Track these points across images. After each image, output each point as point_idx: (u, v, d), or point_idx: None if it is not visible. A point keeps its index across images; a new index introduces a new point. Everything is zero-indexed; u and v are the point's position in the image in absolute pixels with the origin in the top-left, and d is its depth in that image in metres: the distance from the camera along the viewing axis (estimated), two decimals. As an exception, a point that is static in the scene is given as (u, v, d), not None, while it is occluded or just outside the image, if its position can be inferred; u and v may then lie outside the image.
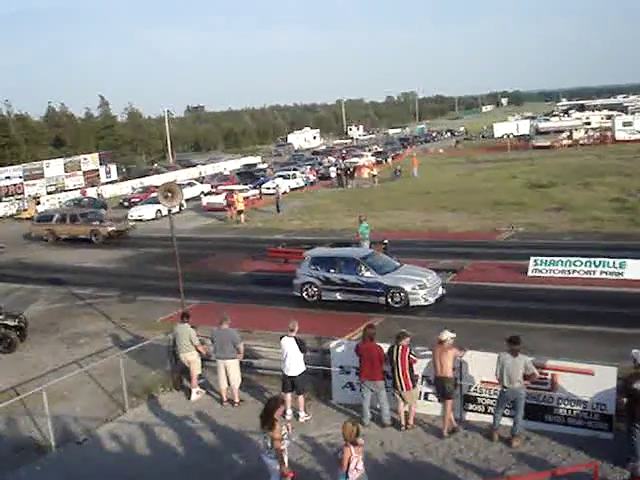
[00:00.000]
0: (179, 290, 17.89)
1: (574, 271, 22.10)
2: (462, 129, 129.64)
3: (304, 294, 21.71)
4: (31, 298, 24.89)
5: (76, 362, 17.40)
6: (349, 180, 55.09)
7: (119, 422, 13.98)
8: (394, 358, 12.43)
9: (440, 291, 20.81)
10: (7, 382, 16.32)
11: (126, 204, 49.73)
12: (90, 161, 66.21)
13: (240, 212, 39.98)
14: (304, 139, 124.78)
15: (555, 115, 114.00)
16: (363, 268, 20.88)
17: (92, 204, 48.26)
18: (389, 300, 20.33)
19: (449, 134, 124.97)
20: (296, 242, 29.22)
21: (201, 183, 57.19)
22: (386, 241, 26.00)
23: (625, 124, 73.91)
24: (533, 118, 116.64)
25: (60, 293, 25.53)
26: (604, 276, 21.63)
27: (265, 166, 71.88)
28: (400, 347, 12.43)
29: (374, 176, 54.57)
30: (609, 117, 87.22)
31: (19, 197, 55.46)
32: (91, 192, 57.08)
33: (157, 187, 30.61)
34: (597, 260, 21.94)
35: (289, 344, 13.35)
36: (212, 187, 53.28)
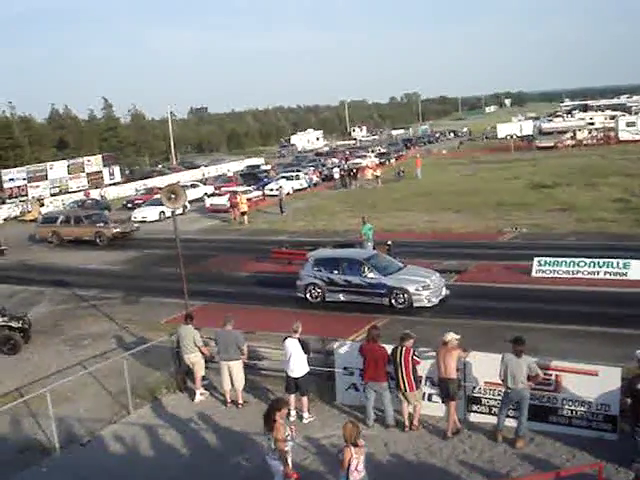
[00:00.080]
0: (183, 291, 17.90)
1: (578, 272, 22.07)
2: (465, 130, 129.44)
3: (308, 295, 21.71)
4: (35, 300, 24.94)
5: (80, 363, 17.43)
6: (352, 181, 55.06)
7: (123, 424, 13.99)
8: (398, 359, 12.42)
9: (444, 292, 20.80)
10: (11, 384, 16.36)
11: (129, 206, 49.78)
12: (93, 163, 66.24)
13: (243, 213, 39.99)
14: (307, 140, 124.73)
15: (558, 115, 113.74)
16: (366, 269, 20.88)
17: (95, 206, 48.32)
18: (393, 301, 20.32)
19: (452, 135, 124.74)
20: (299, 243, 29.26)
21: (204, 184, 57.24)
22: (389, 242, 25.99)
23: (629, 124, 73.73)
24: (536, 119, 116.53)
25: (64, 295, 25.57)
26: (608, 277, 21.60)
27: (268, 167, 71.82)
28: (404, 348, 12.42)
29: (377, 177, 54.56)
30: (612, 117, 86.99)
31: (23, 199, 55.56)
32: (94, 194, 57.15)
33: (160, 189, 30.64)
34: (601, 261, 21.91)
35: (293, 345, 13.35)
36: (215, 188, 53.32)
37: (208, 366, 15.40)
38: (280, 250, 27.97)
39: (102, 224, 37.36)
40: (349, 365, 13.74)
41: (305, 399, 13.51)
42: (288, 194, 48.58)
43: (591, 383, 11.68)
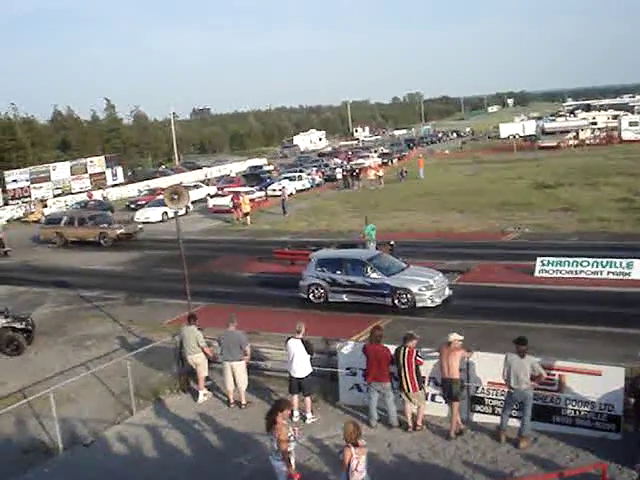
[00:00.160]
0: (186, 292, 17.92)
1: (581, 271, 22.05)
2: (468, 130, 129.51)
3: (310, 296, 21.72)
4: (38, 301, 24.96)
5: (83, 364, 17.44)
6: (355, 181, 55.05)
7: (126, 424, 14.00)
8: (401, 360, 12.41)
9: (447, 292, 20.79)
10: (15, 384, 16.37)
11: (132, 206, 49.84)
12: (96, 164, 66.28)
13: (246, 214, 40.01)
14: (310, 141, 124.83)
15: (561, 115, 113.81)
16: (369, 269, 20.88)
17: (98, 207, 48.38)
18: (396, 301, 20.32)
19: (455, 135, 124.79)
20: (302, 244, 29.25)
21: (207, 185, 57.29)
22: (392, 242, 25.98)
23: (631, 124, 73.74)
24: (539, 118, 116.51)
25: (67, 296, 25.60)
26: (611, 276, 21.58)
27: (271, 168, 71.92)
28: (407, 349, 12.42)
29: (380, 177, 54.56)
30: (615, 117, 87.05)
31: (26, 200, 55.63)
32: (97, 195, 57.25)
33: (163, 189, 30.66)
34: (604, 260, 21.90)
35: (296, 346, 13.35)
36: (218, 189, 53.35)
37: (211, 367, 15.41)
38: (283, 250, 27.98)
39: (106, 225, 37.39)
40: (352, 365, 13.74)
41: (308, 400, 13.51)
42: (291, 194, 48.61)
43: (594, 383, 11.66)
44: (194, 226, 40.13)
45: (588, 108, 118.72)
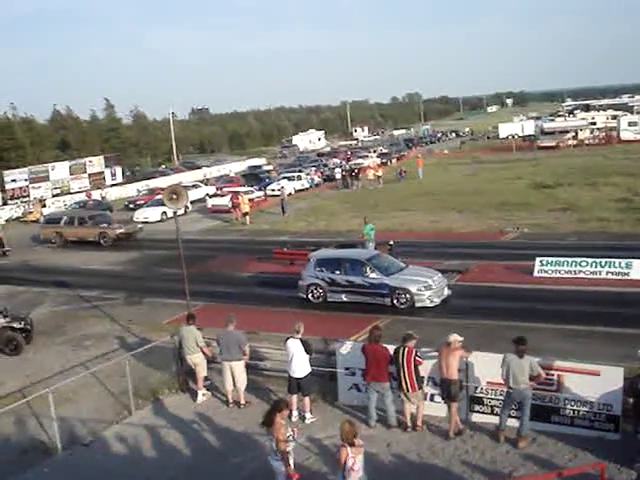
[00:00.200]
0: (185, 292, 17.92)
1: (580, 271, 22.07)
2: (467, 130, 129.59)
3: (309, 295, 21.72)
4: (37, 300, 24.95)
5: (82, 364, 17.44)
6: (354, 181, 55.08)
7: (125, 424, 14.00)
8: (400, 360, 12.41)
9: (446, 292, 20.80)
10: (14, 384, 16.38)
11: (131, 206, 49.85)
12: (95, 164, 66.31)
13: (245, 214, 40.00)
14: (309, 141, 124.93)
15: (560, 115, 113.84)
16: (368, 269, 20.88)
17: (97, 206, 48.39)
18: (395, 301, 20.32)
19: (454, 135, 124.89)
20: (301, 244, 29.26)
21: (206, 185, 57.29)
22: (391, 242, 25.98)
23: (630, 124, 73.76)
24: (538, 118, 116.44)
25: (66, 295, 25.60)
26: (610, 276, 21.60)
27: (270, 168, 71.94)
28: (406, 349, 12.42)
29: (379, 177, 54.58)
30: (614, 117, 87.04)
31: (25, 200, 55.62)
32: (95, 194, 57.28)
33: (162, 189, 30.67)
34: (603, 260, 21.91)
35: (295, 346, 13.36)
36: (217, 189, 53.37)
37: (210, 366, 15.41)
38: (282, 250, 27.99)
39: (106, 225, 37.39)
40: (351, 365, 13.74)
41: (307, 399, 13.51)
42: (290, 194, 48.60)
43: (593, 383, 11.67)
44: (193, 226, 40.13)
45: (587, 108, 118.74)
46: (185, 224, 35.52)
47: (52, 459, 12.72)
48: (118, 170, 69.34)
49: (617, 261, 21.75)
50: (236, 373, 14.32)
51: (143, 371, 16.19)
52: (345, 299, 21.22)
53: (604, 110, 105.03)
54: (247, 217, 39.95)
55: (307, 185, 55.46)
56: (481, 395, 12.73)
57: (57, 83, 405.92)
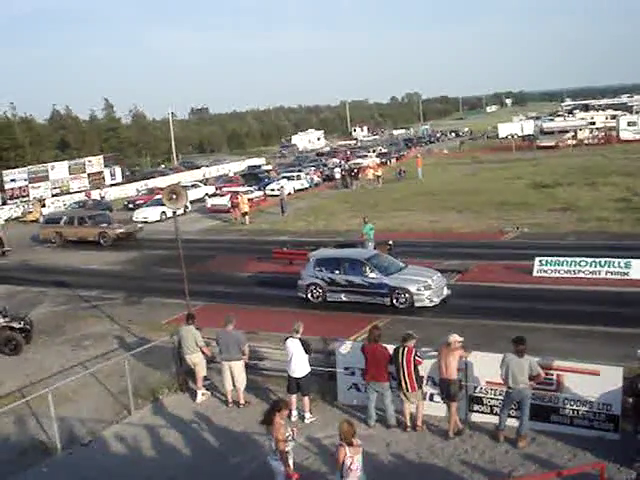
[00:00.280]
0: (184, 292, 17.92)
1: (579, 271, 22.07)
2: (466, 130, 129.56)
3: (309, 295, 21.71)
4: (36, 300, 24.94)
5: (81, 364, 17.44)
6: (353, 181, 55.13)
7: (124, 424, 13.99)
8: (400, 359, 12.40)
9: (445, 292, 20.79)
10: (13, 384, 16.38)
11: (131, 206, 49.83)
12: (95, 163, 66.25)
13: (245, 214, 39.98)
14: (308, 140, 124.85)
15: (559, 115, 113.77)
16: (368, 269, 20.87)
17: (97, 206, 48.38)
18: (394, 301, 20.32)
19: (453, 135, 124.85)
20: (301, 243, 29.25)
21: (205, 185, 57.27)
22: (391, 242, 25.97)
23: (630, 124, 73.73)
24: (537, 118, 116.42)
25: (65, 295, 25.58)
26: (609, 276, 21.59)
27: (269, 167, 71.93)
28: (406, 348, 12.41)
29: (378, 177, 54.58)
30: (614, 117, 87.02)
31: (24, 200, 55.59)
32: (95, 194, 57.28)
33: (162, 189, 30.66)
34: (602, 260, 21.91)
35: (294, 345, 13.35)
36: (216, 189, 53.36)
37: (210, 366, 15.40)
38: (281, 250, 27.98)
39: (106, 225, 37.37)
40: (350, 365, 13.73)
41: (307, 399, 13.51)
42: (289, 194, 48.59)
43: (593, 383, 11.67)
44: (192, 226, 40.12)
45: (586, 108, 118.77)
46: (184, 224, 35.53)
47: (51, 459, 12.72)
48: (117, 170, 69.27)
49: (616, 261, 21.76)
50: (235, 373, 14.32)
51: (142, 371, 16.19)
52: (344, 299, 21.22)
53: (603, 110, 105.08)
54: (246, 217, 39.94)
55: (306, 185, 55.43)
56: (480, 395, 12.73)
57: (56, 83, 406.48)
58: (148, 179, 66.94)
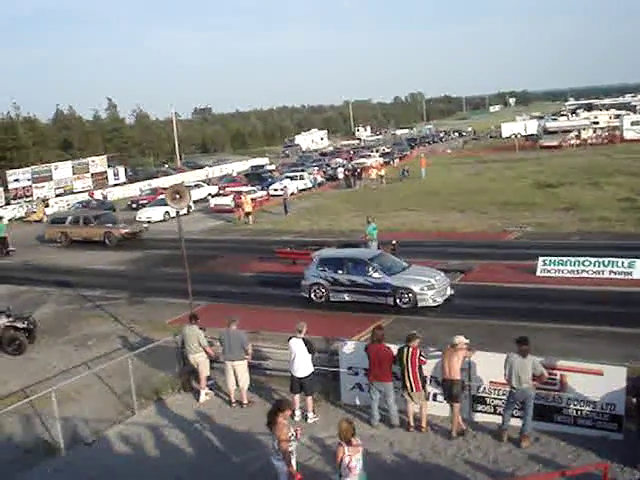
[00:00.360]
0: (187, 292, 17.92)
1: (583, 271, 22.03)
2: (470, 129, 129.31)
3: (312, 295, 21.72)
4: (40, 300, 24.98)
5: (85, 364, 17.46)
6: (357, 181, 55.12)
7: (128, 424, 14.01)
8: (404, 359, 12.39)
9: (448, 292, 20.78)
10: (17, 384, 16.41)
11: (134, 206, 49.90)
12: (98, 163, 66.30)
13: (248, 213, 39.99)
14: (312, 140, 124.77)
15: (563, 115, 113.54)
16: (371, 269, 20.86)
17: (101, 206, 48.46)
18: (397, 301, 20.31)
19: (457, 134, 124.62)
20: (304, 243, 29.24)
21: (208, 185, 57.30)
22: (394, 242, 25.97)
23: (633, 123, 73.61)
24: (541, 118, 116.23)
25: (69, 295, 25.62)
26: (613, 276, 21.56)
27: (273, 167, 71.95)
28: (410, 348, 12.40)
29: (382, 177, 54.54)
30: (617, 116, 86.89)
31: (28, 200, 55.66)
32: (98, 194, 57.38)
33: (165, 189, 30.69)
34: (606, 260, 21.87)
35: (297, 345, 13.35)
36: (220, 189, 53.40)
37: (213, 366, 15.41)
38: (284, 250, 27.97)
39: (111, 225, 37.43)
40: (354, 365, 13.73)
41: (310, 399, 13.51)
42: (292, 194, 48.62)
43: (596, 383, 11.65)
44: (196, 226, 40.15)
45: (590, 107, 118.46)
46: (188, 224, 35.51)
47: (55, 458, 12.73)
48: (121, 170, 69.33)
49: (620, 261, 21.72)
50: (239, 373, 14.33)
51: (146, 371, 16.20)
52: (348, 299, 21.21)
53: (607, 109, 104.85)
54: (250, 217, 39.95)
55: (310, 185, 55.40)
56: (484, 395, 12.72)
57: (59, 83, 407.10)
58: (151, 179, 67.02)
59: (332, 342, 14.96)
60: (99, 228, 37.09)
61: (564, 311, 19.07)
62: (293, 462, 9.87)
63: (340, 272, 21.35)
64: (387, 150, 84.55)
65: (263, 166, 74.78)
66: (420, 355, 12.42)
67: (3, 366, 18.05)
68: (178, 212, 18.83)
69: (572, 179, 45.52)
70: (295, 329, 13.52)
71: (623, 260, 21.70)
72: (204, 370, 15.06)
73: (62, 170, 61.99)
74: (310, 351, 13.36)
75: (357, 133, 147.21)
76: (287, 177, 55.34)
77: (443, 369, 12.33)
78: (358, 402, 13.77)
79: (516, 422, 11.98)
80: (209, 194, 52.32)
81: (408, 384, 12.45)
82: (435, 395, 13.01)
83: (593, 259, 22.06)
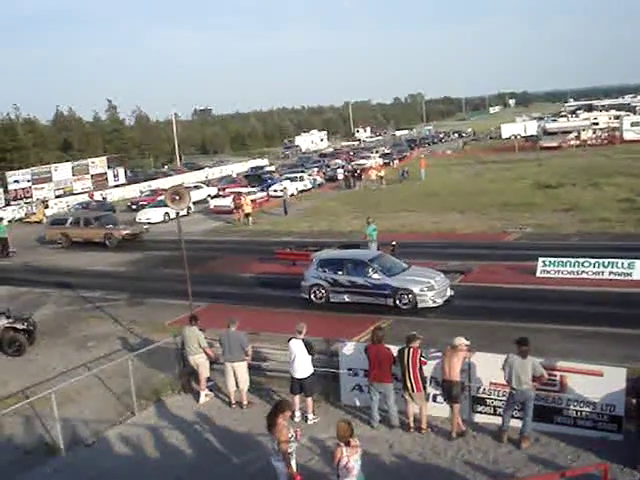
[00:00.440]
0: (187, 293, 17.93)
1: (583, 272, 22.03)
2: (469, 130, 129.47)
3: (312, 296, 21.71)
4: (40, 301, 24.98)
5: (85, 365, 17.45)
6: (356, 182, 55.13)
7: (128, 425, 14.01)
8: (405, 360, 12.39)
9: (448, 292, 20.77)
10: (16, 385, 16.40)
11: (134, 207, 49.92)
12: (98, 164, 66.35)
13: (247, 215, 39.98)
14: (311, 141, 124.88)
15: (563, 116, 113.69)
16: (371, 270, 20.86)
17: (101, 207, 48.47)
18: (397, 302, 20.30)
19: (456, 135, 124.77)
20: (304, 244, 29.24)
21: (207, 186, 57.32)
22: (394, 243, 25.97)
23: (633, 124, 73.67)
24: (541, 119, 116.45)
25: (69, 296, 25.62)
26: (613, 277, 21.56)
27: (272, 168, 71.96)
28: (411, 349, 12.39)
29: (381, 178, 54.54)
30: (617, 117, 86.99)
31: (28, 201, 55.66)
32: (97, 195, 57.39)
33: (165, 190, 30.68)
34: (606, 261, 21.87)
35: (297, 346, 13.35)
36: (219, 190, 53.42)
37: (213, 367, 15.41)
38: (284, 251, 27.95)
39: (111, 226, 37.43)
40: (353, 366, 13.73)
41: (310, 400, 13.51)
42: (292, 195, 48.62)
43: (596, 384, 11.65)
44: (195, 227, 40.15)
45: (590, 108, 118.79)
46: (187, 225, 35.58)
47: (55, 460, 12.74)
48: (121, 171, 69.35)
49: (620, 261, 21.72)
50: (239, 374, 14.33)
51: (146, 372, 16.20)
52: (348, 300, 21.21)
53: (607, 110, 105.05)
54: (249, 218, 39.94)
55: (309, 186, 55.42)
56: (484, 396, 12.72)
57: (59, 84, 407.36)
58: (151, 180, 67.02)
59: (332, 343, 14.96)
60: (100, 229, 37.07)
61: (564, 312, 19.06)
62: (293, 463, 9.87)
63: (340, 273, 21.35)
64: (387, 151, 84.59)
65: (263, 167, 74.83)
66: (421, 356, 12.42)
67: (3, 367, 18.05)
68: (178, 213, 18.85)
69: (572, 180, 45.51)
70: (295, 330, 13.52)
71: (623, 261, 21.70)
72: (204, 371, 15.06)
73: (62, 171, 62.03)
74: (310, 352, 13.36)
75: (357, 134, 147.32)
76: (287, 178, 55.34)
77: (443, 370, 12.33)
78: (358, 403, 13.77)
79: (516, 423, 11.97)
80: (209, 195, 52.35)
81: (409, 385, 12.44)
82: (435, 396, 13.00)
83: (593, 260, 22.06)
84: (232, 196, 43.78)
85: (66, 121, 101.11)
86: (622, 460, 10.75)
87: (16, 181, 56.69)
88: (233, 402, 14.51)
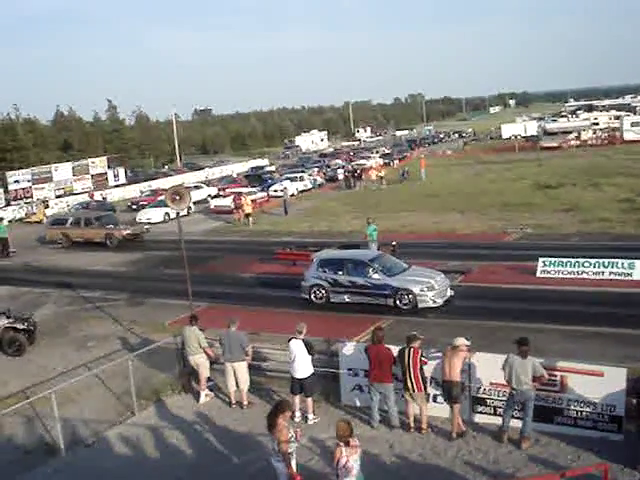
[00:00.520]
0: (187, 293, 17.93)
1: (583, 272, 22.02)
2: (470, 130, 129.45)
3: (312, 296, 21.71)
4: (40, 301, 24.98)
5: (85, 365, 17.46)
6: (356, 182, 55.14)
7: (128, 425, 14.01)
8: (406, 360, 12.38)
9: (448, 293, 20.77)
10: (17, 385, 16.40)
11: (134, 207, 49.92)
12: (98, 165, 66.36)
13: (248, 215, 39.96)
14: (312, 141, 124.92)
15: (563, 116, 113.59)
16: (371, 270, 20.86)
17: (101, 207, 48.46)
18: (397, 302, 20.30)
19: (457, 135, 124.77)
20: (304, 244, 29.23)
21: (207, 186, 57.32)
22: (394, 243, 25.96)
23: (633, 124, 73.62)
24: (541, 119, 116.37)
25: (69, 296, 25.61)
26: (613, 277, 21.55)
27: (273, 168, 71.96)
28: (412, 349, 12.39)
29: (382, 178, 54.54)
30: (617, 117, 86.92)
31: (28, 201, 55.66)
32: (97, 195, 57.39)
33: (165, 190, 30.69)
34: (606, 261, 21.86)
35: (297, 346, 13.35)
36: (219, 190, 53.41)
37: (213, 367, 15.41)
38: (284, 251, 27.95)
39: (112, 226, 37.43)
40: (354, 366, 13.73)
41: (310, 400, 13.51)
42: (292, 195, 48.62)
43: (596, 384, 11.64)
44: (196, 227, 40.15)
45: (590, 108, 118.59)
46: (188, 225, 35.57)
47: (55, 460, 12.74)
48: (121, 171, 69.36)
49: (620, 262, 21.71)
50: (239, 374, 14.33)
51: (146, 372, 16.20)
52: (348, 300, 21.20)
53: (607, 110, 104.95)
54: (249, 218, 39.92)
55: (310, 186, 55.42)
56: (484, 396, 12.72)
57: (59, 84, 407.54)
58: (151, 180, 67.02)
59: (332, 343, 14.95)
60: (100, 229, 37.07)
61: (564, 312, 19.06)
62: (293, 463, 9.87)
63: (340, 273, 21.34)
64: (387, 151, 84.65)
65: (263, 167, 74.81)
66: (421, 356, 12.42)
67: (3, 367, 18.06)
68: (178, 213, 18.85)
69: (572, 180, 45.50)
70: (295, 330, 13.52)
71: (623, 261, 21.69)
72: (204, 371, 15.06)
73: (62, 171, 62.03)
74: (310, 352, 13.36)
75: (357, 134, 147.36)
76: (287, 178, 55.34)
77: (443, 370, 12.33)
78: (358, 403, 13.77)
79: (516, 423, 11.97)
80: (209, 195, 52.36)
81: (410, 385, 12.44)
82: (435, 396, 13.00)
83: (593, 260, 22.05)
84: (232, 196, 43.79)
85: (66, 121, 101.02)
86: (622, 460, 10.74)
87: (16, 181, 56.70)
88: (233, 402, 14.51)
